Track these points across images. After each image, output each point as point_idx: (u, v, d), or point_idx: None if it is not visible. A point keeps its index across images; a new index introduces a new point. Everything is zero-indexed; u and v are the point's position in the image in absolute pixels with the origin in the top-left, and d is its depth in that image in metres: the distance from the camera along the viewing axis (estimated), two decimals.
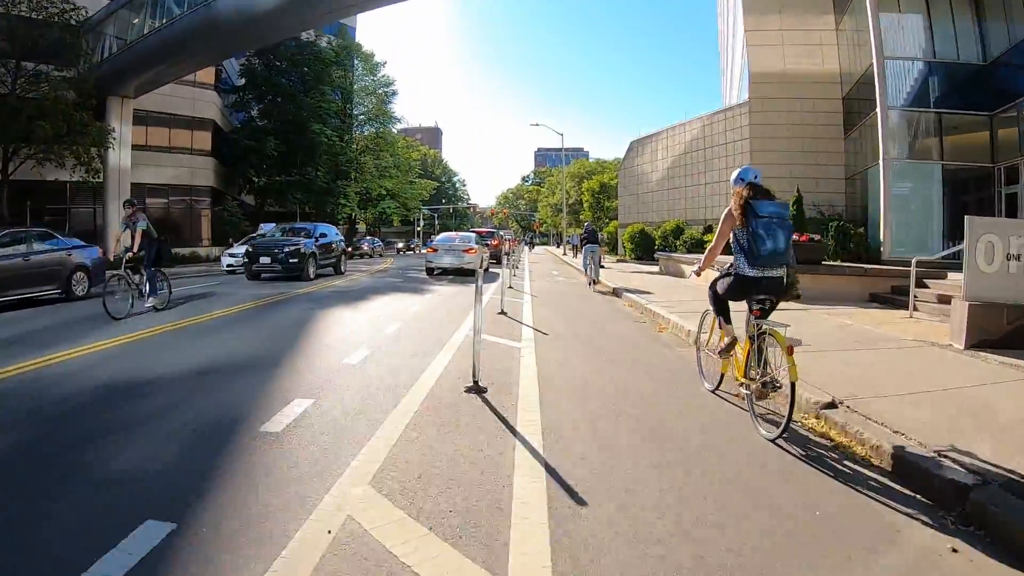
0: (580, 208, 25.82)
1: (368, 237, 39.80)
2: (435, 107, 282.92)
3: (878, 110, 16.46)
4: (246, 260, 15.10)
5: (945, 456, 3.12)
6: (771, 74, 20.55)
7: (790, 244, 3.92)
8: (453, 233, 20.24)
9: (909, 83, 17.60)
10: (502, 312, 8.80)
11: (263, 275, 14.72)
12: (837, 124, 20.38)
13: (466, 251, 16.79)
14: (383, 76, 47.04)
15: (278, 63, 37.23)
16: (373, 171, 45.51)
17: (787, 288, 4.18)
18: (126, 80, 25.99)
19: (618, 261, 25.91)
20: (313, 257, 15.24)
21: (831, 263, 12.01)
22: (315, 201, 37.69)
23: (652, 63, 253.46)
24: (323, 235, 16.71)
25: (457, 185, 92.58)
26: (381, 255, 39.32)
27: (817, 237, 11.60)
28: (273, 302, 10.27)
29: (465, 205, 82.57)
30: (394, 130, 51.43)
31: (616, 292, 13.28)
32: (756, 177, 4.13)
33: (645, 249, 24.23)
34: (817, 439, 3.70)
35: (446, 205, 72.05)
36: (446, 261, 16.79)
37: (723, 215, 4.14)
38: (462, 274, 16.93)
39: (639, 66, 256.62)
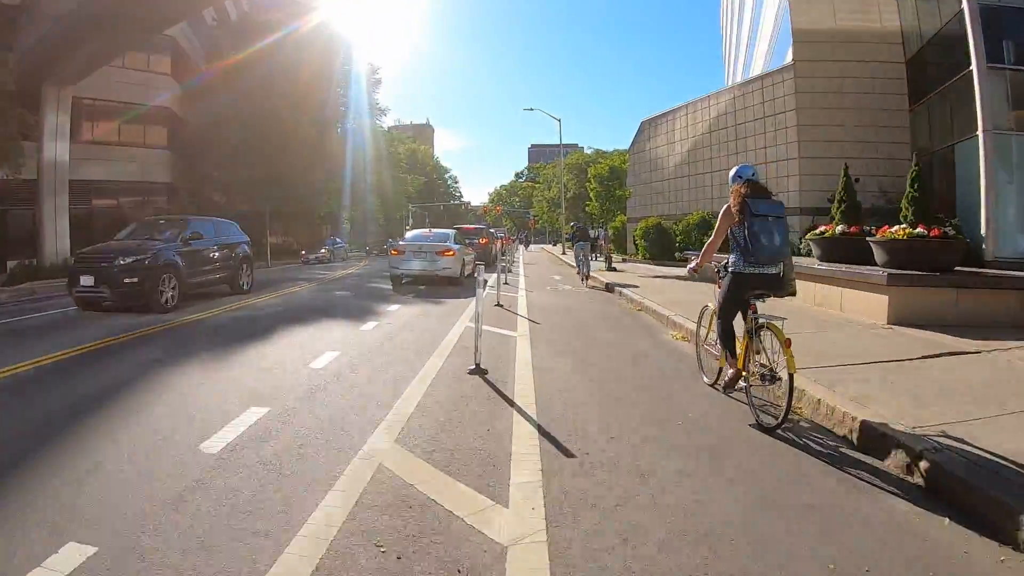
0: (587, 199, 21.74)
1: (330, 238, 34.75)
2: (427, 105, 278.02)
3: (973, 68, 12.83)
4: (66, 281, 9.74)
5: None
6: (818, 32, 16.83)
7: (786, 241, 3.98)
8: (426, 230, 16.32)
9: (999, 38, 13.94)
10: (476, 369, 4.95)
11: (105, 303, 8.89)
12: (899, 93, 16.70)
13: (441, 253, 12.99)
14: (366, 64, 43.23)
15: (249, 47, 33.35)
16: (355, 165, 41.84)
17: (783, 283, 4.09)
18: (58, 63, 22.38)
19: (624, 260, 22.03)
20: (172, 271, 9.38)
21: (967, 269, 8.31)
22: (287, 197, 33.94)
23: (649, 57, 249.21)
24: (196, 235, 10.56)
25: (449, 182, 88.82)
26: (344, 259, 32.79)
27: (952, 232, 7.86)
28: (84, 354, 5.88)
29: (457, 202, 78.54)
30: (383, 124, 47.78)
31: (609, 287, 12.64)
32: (754, 175, 4.17)
33: (663, 248, 20.45)
34: (813, 429, 3.62)
35: (436, 203, 68.03)
36: (415, 267, 12.98)
37: (721, 211, 4.16)
38: (440, 284, 13.13)
39: (636, 60, 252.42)
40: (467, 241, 16.44)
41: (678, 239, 19.51)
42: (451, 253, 13.09)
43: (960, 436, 3.16)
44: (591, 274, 14.67)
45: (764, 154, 17.65)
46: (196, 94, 34.05)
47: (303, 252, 29.96)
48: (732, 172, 4.23)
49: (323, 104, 35.87)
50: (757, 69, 24.16)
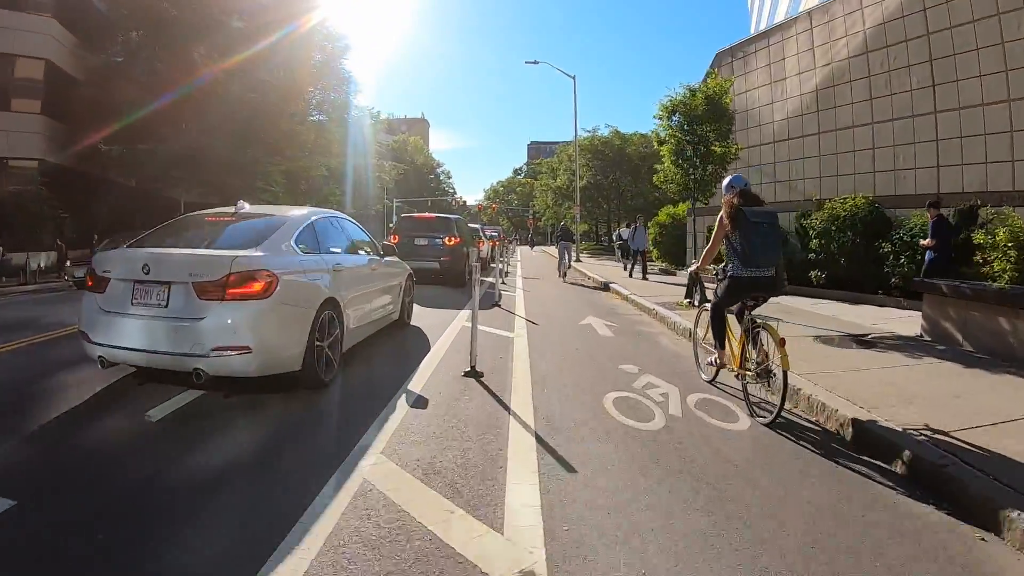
0: (654, 161, 13.01)
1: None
2: (424, 104, 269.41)
3: None
4: None
5: None
6: None
7: (779, 245, 4.23)
8: (226, 210, 5.01)
9: None
10: None
11: None
12: None
13: (215, 291, 3.53)
14: (330, 30, 34.64)
15: None
16: (316, 148, 33.16)
17: (777, 285, 4.36)
18: None
19: (683, 269, 13.10)
20: None
21: None
22: (211, 180, 25.18)
23: (657, 51, 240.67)
24: None
25: (441, 178, 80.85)
26: None
27: None
28: None
29: (449, 198, 70.02)
30: (353, 101, 39.37)
31: (608, 286, 11.79)
32: (746, 185, 4.57)
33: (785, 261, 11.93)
34: (806, 423, 4.03)
35: (425, 198, 59.50)
36: (131, 338, 3.64)
37: (717, 221, 4.41)
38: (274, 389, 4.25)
39: (644, 51, 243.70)
40: (422, 239, 7.47)
41: (813, 244, 10.99)
42: (256, 288, 3.68)
43: None
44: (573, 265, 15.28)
45: (998, 84, 9.08)
46: (91, 44, 25.55)
47: (67, 263, 18.08)
48: (725, 182, 4.66)
49: (267, 67, 27.19)
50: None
